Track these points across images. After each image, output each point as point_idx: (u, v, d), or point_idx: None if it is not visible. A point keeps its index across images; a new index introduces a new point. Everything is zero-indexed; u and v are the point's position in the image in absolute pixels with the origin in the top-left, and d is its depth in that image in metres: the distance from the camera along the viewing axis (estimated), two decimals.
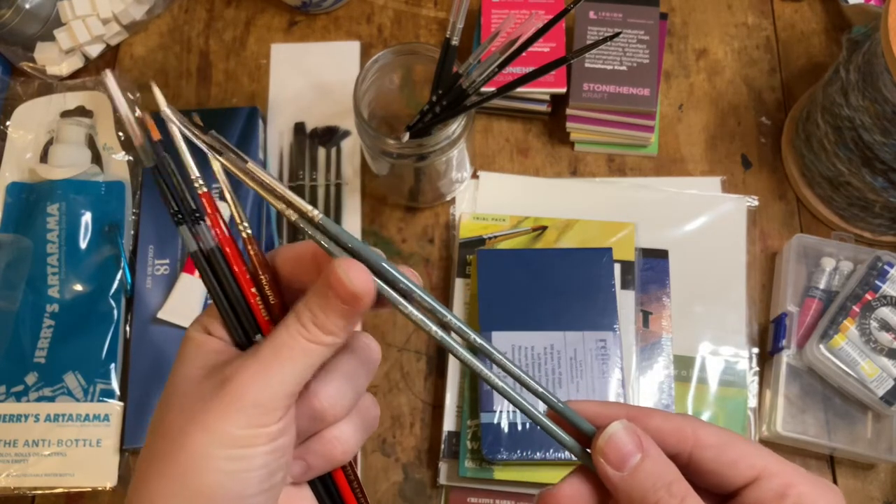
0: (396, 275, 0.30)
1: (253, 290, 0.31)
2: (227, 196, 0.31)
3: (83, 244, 0.64)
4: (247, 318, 0.31)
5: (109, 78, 0.30)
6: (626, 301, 0.61)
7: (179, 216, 0.30)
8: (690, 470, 0.29)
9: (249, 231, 0.31)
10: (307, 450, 0.32)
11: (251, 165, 0.29)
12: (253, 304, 0.31)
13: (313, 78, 0.72)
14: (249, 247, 0.31)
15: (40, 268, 0.63)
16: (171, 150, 0.30)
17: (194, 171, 0.30)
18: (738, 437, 0.29)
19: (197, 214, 0.30)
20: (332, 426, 0.32)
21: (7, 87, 0.71)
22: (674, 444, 0.29)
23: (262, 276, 0.31)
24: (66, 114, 0.69)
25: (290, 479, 0.32)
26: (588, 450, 0.30)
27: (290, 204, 0.29)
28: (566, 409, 0.30)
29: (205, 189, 0.30)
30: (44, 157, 0.68)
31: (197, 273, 0.32)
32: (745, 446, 0.28)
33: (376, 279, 0.29)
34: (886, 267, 0.59)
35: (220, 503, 0.28)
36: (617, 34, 0.54)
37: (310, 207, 0.29)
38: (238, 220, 0.31)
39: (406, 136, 0.56)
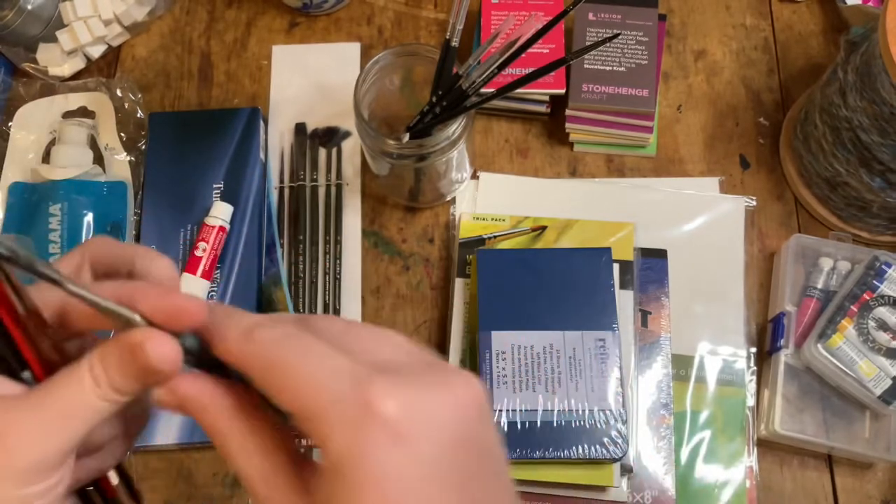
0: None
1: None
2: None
3: None
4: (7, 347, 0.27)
5: None
6: (625, 301, 0.61)
7: None
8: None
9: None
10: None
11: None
12: (20, 342, 0.27)
13: (314, 79, 0.72)
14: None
15: None
16: None
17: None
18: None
19: None
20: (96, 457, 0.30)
21: (9, 87, 0.72)
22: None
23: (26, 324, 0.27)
24: (68, 114, 0.70)
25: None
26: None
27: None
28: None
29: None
30: (46, 158, 0.68)
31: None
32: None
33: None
34: (884, 267, 0.59)
35: None
36: (616, 35, 0.55)
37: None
38: None
39: (406, 137, 0.56)
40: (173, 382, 0.26)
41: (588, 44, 0.66)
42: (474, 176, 0.68)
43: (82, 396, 0.25)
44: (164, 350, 0.25)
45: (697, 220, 0.66)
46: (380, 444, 0.21)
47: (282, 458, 0.25)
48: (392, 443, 0.21)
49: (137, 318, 0.26)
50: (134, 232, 0.66)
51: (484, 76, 0.56)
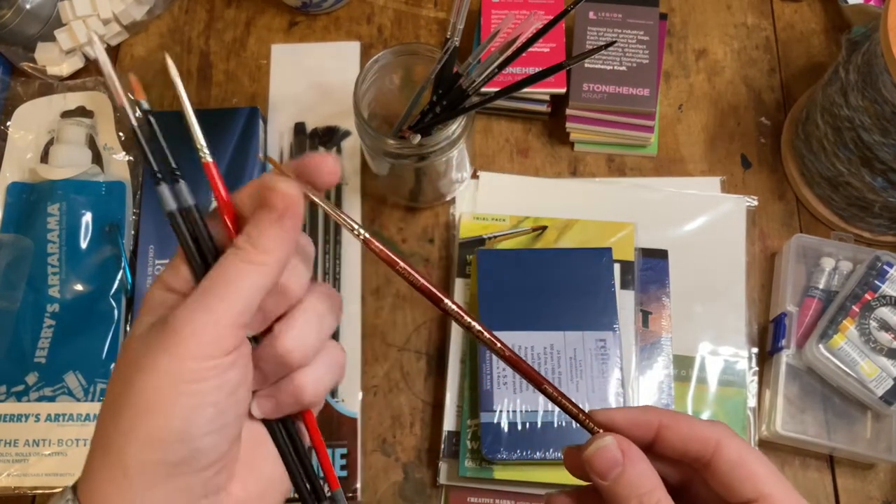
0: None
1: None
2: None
3: (84, 244, 0.64)
4: None
5: (95, 39, 0.31)
6: (625, 301, 0.61)
7: (159, 176, 0.31)
8: (707, 474, 0.31)
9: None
10: (277, 389, 0.32)
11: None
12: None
13: (313, 78, 0.72)
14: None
15: (41, 267, 0.63)
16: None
17: (200, 140, 0.31)
18: (757, 458, 0.30)
19: (177, 173, 0.31)
20: (301, 371, 0.32)
21: (8, 87, 0.71)
22: (696, 450, 0.31)
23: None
24: (66, 114, 0.70)
25: (261, 414, 0.32)
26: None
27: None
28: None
29: (209, 159, 0.31)
30: (44, 158, 0.68)
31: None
32: (759, 468, 0.30)
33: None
34: (886, 267, 0.59)
35: (174, 445, 0.28)
36: (611, 43, 0.55)
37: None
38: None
39: (417, 138, 0.56)
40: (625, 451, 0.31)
41: (589, 44, 0.66)
42: (474, 176, 0.68)
43: (229, 264, 0.29)
44: (287, 185, 0.30)
45: (698, 220, 0.65)
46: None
47: None
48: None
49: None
50: (133, 232, 0.66)
51: (484, 75, 0.55)
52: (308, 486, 0.34)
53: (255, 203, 0.31)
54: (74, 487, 0.29)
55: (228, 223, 0.31)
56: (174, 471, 0.28)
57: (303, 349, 0.31)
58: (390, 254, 0.32)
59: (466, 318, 0.32)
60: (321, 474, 0.35)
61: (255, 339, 0.32)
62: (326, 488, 0.35)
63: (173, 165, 0.31)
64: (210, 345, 0.28)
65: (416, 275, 0.32)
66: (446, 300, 0.32)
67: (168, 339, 0.28)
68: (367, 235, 0.32)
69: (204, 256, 0.31)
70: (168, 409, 0.27)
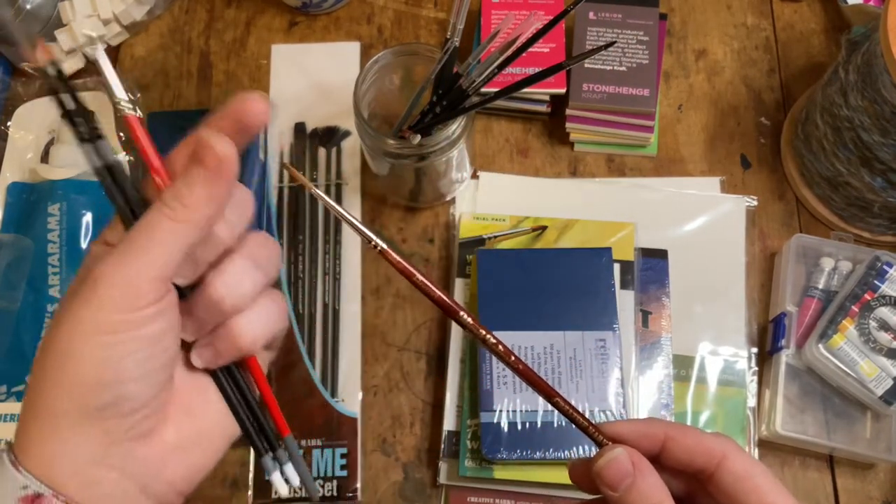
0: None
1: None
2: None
3: (84, 244, 0.64)
4: None
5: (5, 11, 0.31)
6: (625, 301, 0.61)
7: (83, 135, 0.31)
8: (712, 486, 0.31)
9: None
10: (215, 336, 0.32)
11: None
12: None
13: (313, 78, 0.72)
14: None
15: (41, 267, 0.63)
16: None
17: (121, 94, 0.31)
18: (761, 471, 0.31)
19: (96, 131, 0.31)
20: (237, 317, 0.32)
21: (8, 87, 0.72)
22: (702, 462, 0.32)
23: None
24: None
25: (202, 363, 0.33)
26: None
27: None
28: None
29: (131, 113, 0.31)
30: (45, 158, 0.68)
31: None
32: (763, 481, 0.31)
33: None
34: (885, 267, 0.59)
35: (97, 390, 0.28)
36: (611, 43, 0.55)
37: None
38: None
39: (417, 138, 0.56)
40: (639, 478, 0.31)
41: (588, 45, 0.67)
42: (474, 176, 0.68)
43: (155, 220, 0.29)
44: (223, 143, 0.30)
45: (698, 220, 0.65)
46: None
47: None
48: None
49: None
50: None
51: (484, 76, 0.55)
52: (261, 435, 0.34)
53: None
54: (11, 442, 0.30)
55: (157, 179, 0.31)
56: (100, 414, 0.29)
57: (235, 296, 0.32)
58: (407, 266, 0.32)
59: (482, 330, 0.32)
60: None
61: (190, 288, 0.32)
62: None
63: (94, 125, 0.31)
64: (128, 298, 0.28)
65: (434, 287, 0.32)
66: (462, 313, 0.32)
67: (88, 291, 0.28)
68: (385, 247, 0.32)
69: (135, 212, 0.31)
70: (88, 357, 0.28)
